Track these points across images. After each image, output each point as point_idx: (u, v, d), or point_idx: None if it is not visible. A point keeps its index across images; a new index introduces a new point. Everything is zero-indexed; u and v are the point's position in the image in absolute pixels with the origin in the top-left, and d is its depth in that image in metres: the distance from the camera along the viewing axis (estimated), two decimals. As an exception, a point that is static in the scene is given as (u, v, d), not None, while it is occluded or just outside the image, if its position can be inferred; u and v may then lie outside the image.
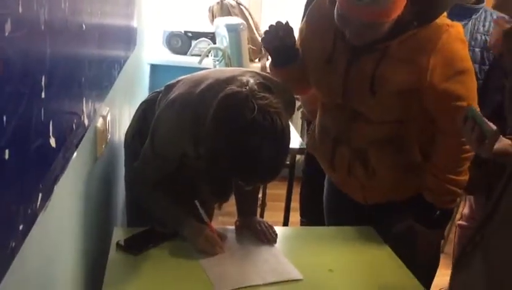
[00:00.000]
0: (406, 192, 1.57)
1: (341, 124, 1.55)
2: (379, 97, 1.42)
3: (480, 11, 1.91)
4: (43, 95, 0.76)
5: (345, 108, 1.51)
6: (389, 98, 1.42)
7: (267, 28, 1.51)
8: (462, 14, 1.69)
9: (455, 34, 1.39)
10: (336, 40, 1.47)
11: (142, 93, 2.82)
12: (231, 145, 1.22)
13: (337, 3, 1.37)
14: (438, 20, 1.38)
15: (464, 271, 1.15)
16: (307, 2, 2.29)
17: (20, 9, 0.64)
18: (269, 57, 3.40)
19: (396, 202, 1.58)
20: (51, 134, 0.82)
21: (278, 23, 1.50)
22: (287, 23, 1.50)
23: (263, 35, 1.52)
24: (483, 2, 1.93)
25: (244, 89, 1.24)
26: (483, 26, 1.90)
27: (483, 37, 1.88)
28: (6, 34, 0.60)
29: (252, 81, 1.30)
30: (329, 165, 1.64)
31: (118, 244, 1.43)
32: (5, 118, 0.61)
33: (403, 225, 1.58)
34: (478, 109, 1.36)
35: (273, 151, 1.22)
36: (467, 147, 1.44)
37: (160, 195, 1.47)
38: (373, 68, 1.41)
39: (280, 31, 1.49)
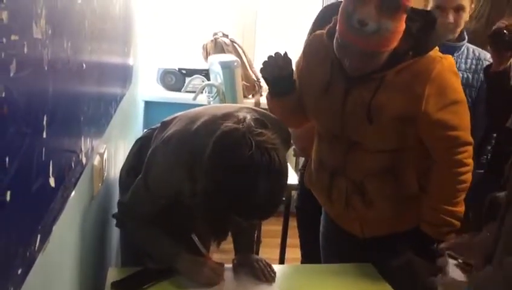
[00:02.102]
0: (403, 224, 1.56)
1: (338, 156, 1.55)
2: (376, 125, 1.44)
3: (462, 49, 1.93)
4: (44, 135, 0.75)
5: (342, 139, 1.53)
6: (386, 126, 1.44)
7: (266, 59, 1.53)
8: (444, 51, 1.72)
9: (448, 66, 1.44)
10: (333, 70, 1.50)
11: (137, 130, 2.82)
12: (229, 182, 1.21)
13: (337, 33, 1.40)
14: (431, 52, 1.43)
15: None
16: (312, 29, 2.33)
17: (26, 50, 0.64)
18: (263, 93, 3.44)
19: (394, 234, 1.57)
20: (50, 173, 0.81)
21: (277, 53, 1.53)
22: (285, 53, 1.52)
23: (262, 66, 1.54)
24: (464, 39, 1.95)
25: (241, 126, 1.25)
26: (465, 63, 1.92)
27: (465, 75, 1.88)
28: (11, 74, 0.60)
29: (248, 117, 1.30)
30: (327, 198, 1.64)
31: (112, 285, 1.39)
32: (7, 159, 0.60)
33: (402, 259, 1.56)
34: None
35: (270, 188, 1.21)
36: (462, 177, 1.45)
37: (152, 230, 1.45)
38: (370, 97, 1.44)
39: (279, 60, 1.51)
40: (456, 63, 1.88)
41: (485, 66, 1.83)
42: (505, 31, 1.60)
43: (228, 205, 1.24)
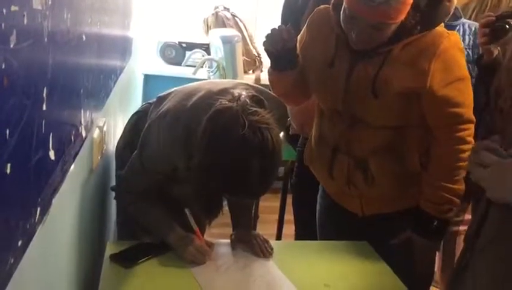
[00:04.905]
0: (404, 202, 1.57)
1: (340, 132, 1.55)
2: (381, 100, 1.44)
3: (458, 27, 1.93)
4: (44, 107, 0.75)
5: (345, 114, 1.52)
6: (390, 101, 1.44)
7: (270, 31, 1.50)
8: None
9: (454, 42, 1.44)
10: (338, 45, 1.49)
11: (136, 104, 2.80)
12: (221, 161, 1.21)
13: (344, 4, 1.39)
14: (438, 28, 1.43)
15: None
16: (284, 7, 2.31)
17: (25, 21, 0.63)
18: (263, 69, 3.41)
19: (393, 213, 1.58)
20: (50, 146, 0.80)
21: (281, 26, 1.51)
22: (289, 26, 1.50)
23: (265, 38, 1.51)
24: (460, 18, 1.95)
25: (235, 104, 1.23)
26: (464, 40, 1.92)
27: (465, 52, 1.89)
28: (12, 45, 0.59)
29: (244, 94, 1.29)
30: (328, 175, 1.63)
31: (111, 257, 1.41)
32: (7, 131, 0.60)
33: (402, 237, 1.57)
34: None
35: (263, 167, 1.21)
36: (463, 155, 1.45)
37: (146, 204, 1.45)
38: (375, 71, 1.43)
39: (283, 33, 1.49)
40: None
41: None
42: (507, 26, 1.60)
43: (220, 183, 1.24)
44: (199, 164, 1.26)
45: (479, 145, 1.09)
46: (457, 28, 1.92)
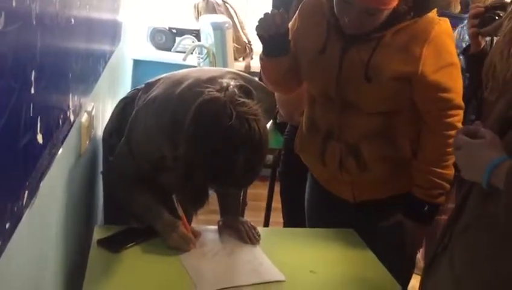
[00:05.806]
0: (395, 187, 1.58)
1: (332, 118, 1.56)
2: (374, 84, 1.45)
3: (466, 21, 1.95)
4: (32, 91, 0.75)
5: (337, 100, 1.53)
6: (383, 85, 1.45)
7: (262, 16, 1.50)
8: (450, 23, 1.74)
9: (445, 28, 1.47)
10: (329, 30, 1.50)
11: (125, 89, 2.78)
12: (207, 151, 1.21)
13: None
14: (429, 14, 1.45)
15: (432, 277, 1.17)
16: None
17: (14, 3, 0.63)
18: (253, 56, 3.39)
19: (384, 199, 1.59)
20: (38, 130, 0.80)
21: (274, 11, 1.50)
22: (282, 11, 1.49)
23: (257, 23, 1.50)
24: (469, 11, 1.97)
25: (222, 94, 1.23)
26: (467, 34, 1.94)
27: (464, 45, 1.91)
28: (0, 28, 0.59)
29: (232, 83, 1.29)
30: (320, 161, 1.64)
31: (98, 242, 1.41)
32: (-5, 114, 0.60)
33: (392, 220, 1.59)
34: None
35: (249, 158, 1.21)
36: (451, 141, 1.47)
37: (134, 190, 1.45)
38: (368, 56, 1.44)
39: (276, 18, 1.48)
40: (460, 34, 1.90)
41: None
42: (496, 17, 1.61)
43: (206, 174, 1.24)
44: (185, 154, 1.26)
45: (459, 130, 1.13)
46: (466, 21, 1.93)
